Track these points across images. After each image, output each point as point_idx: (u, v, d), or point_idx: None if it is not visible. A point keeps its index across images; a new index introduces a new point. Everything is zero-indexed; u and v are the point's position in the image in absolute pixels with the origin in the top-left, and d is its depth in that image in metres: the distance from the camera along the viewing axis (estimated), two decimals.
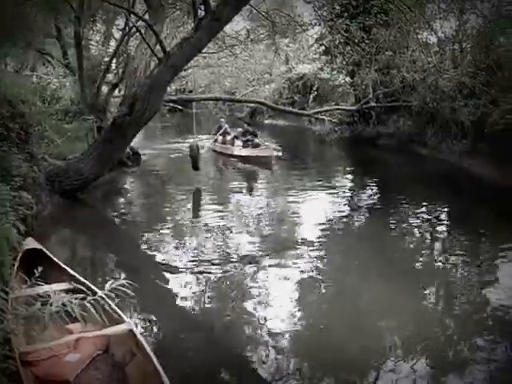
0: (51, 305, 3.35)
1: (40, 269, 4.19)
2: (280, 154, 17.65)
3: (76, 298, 3.55)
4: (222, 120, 20.65)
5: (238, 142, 18.48)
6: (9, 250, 5.35)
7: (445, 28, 16.40)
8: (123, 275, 7.48)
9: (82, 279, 5.21)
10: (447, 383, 4.99)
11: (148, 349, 4.27)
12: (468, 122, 14.74)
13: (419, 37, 15.97)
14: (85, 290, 4.26)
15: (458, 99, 15.21)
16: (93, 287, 4.94)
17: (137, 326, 4.71)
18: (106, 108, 16.21)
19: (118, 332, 4.44)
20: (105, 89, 16.77)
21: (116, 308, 4.53)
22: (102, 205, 12.01)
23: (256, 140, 18.10)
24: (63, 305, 3.39)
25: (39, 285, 4.31)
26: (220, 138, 19.34)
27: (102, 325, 4.39)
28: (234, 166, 17.15)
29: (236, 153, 17.99)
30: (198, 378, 4.91)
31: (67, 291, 4.54)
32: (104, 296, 4.11)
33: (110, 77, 17.51)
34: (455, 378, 5.07)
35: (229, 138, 19.14)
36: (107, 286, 3.77)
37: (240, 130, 19.24)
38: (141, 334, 4.58)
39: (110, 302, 4.38)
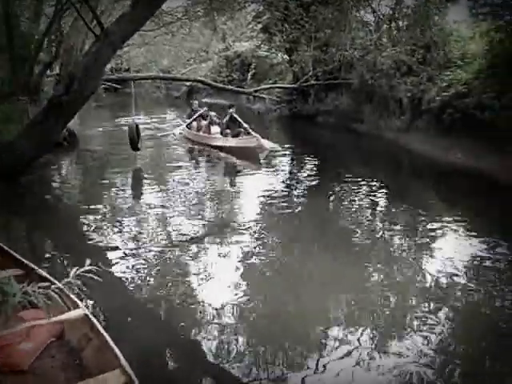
0: (14, 295, 3.18)
1: None
2: (274, 145, 14.86)
3: (39, 288, 3.38)
4: (196, 102, 17.94)
5: (215, 129, 15.88)
6: None
7: (382, 6, 16.64)
8: (66, 258, 7.47)
9: (31, 265, 5.01)
10: (387, 348, 5.12)
11: (104, 332, 4.15)
12: (406, 99, 15.07)
13: (357, 15, 16.15)
14: (38, 277, 4.10)
15: (396, 77, 15.50)
16: (44, 274, 4.76)
17: (90, 311, 4.54)
18: (40, 88, 15.62)
19: (72, 317, 4.29)
20: (38, 68, 16.14)
21: (69, 293, 4.38)
22: (38, 188, 11.53)
23: (239, 127, 15.31)
24: (26, 294, 3.23)
25: None
26: (194, 123, 16.68)
27: (55, 311, 4.24)
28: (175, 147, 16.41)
29: (214, 143, 15.28)
30: (153, 358, 4.89)
31: (18, 278, 4.35)
32: (58, 283, 3.97)
33: (42, 56, 16.85)
34: (394, 343, 5.22)
35: (204, 123, 16.46)
36: (72, 272, 3.61)
37: (213, 113, 16.56)
38: (95, 318, 4.44)
39: (63, 287, 4.23)
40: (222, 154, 14.53)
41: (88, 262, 3.64)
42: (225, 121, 15.57)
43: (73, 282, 3.67)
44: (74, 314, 4.31)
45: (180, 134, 16.85)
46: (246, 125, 15.28)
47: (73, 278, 3.60)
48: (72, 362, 4.18)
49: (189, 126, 16.75)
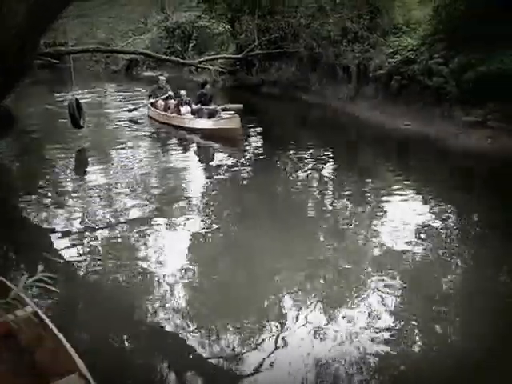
0: None
1: None
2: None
3: None
4: (162, 78, 15.75)
5: (186, 108, 14.22)
6: None
7: None
8: (10, 251, 7.01)
9: None
10: (342, 316, 5.17)
11: (57, 332, 3.84)
12: (353, 67, 14.92)
13: None
14: None
15: (342, 44, 15.32)
16: None
17: (41, 308, 4.20)
18: None
19: (21, 316, 3.93)
20: None
21: (16, 289, 4.01)
22: None
23: (213, 106, 13.68)
24: None
25: None
26: (161, 102, 14.94)
27: (2, 309, 3.87)
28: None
29: (187, 124, 13.56)
30: (108, 348, 4.72)
31: None
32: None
33: None
34: (348, 311, 5.28)
35: (171, 101, 14.81)
36: (21, 282, 3.23)
37: (183, 92, 14.73)
38: (47, 315, 4.10)
39: (10, 284, 3.87)
40: (195, 137, 13.00)
41: (40, 268, 3.26)
42: (198, 100, 13.78)
43: (21, 294, 3.30)
44: (23, 311, 3.97)
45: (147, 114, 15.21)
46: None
47: (21, 288, 3.21)
48: (23, 364, 3.86)
49: (154, 105, 14.98)
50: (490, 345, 4.73)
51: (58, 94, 19.27)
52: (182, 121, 13.78)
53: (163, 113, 14.57)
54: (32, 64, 11.07)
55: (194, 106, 13.85)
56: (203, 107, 13.51)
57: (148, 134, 13.85)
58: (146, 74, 26.32)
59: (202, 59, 19.10)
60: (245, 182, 9.90)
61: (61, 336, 3.75)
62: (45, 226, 7.76)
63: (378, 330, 4.89)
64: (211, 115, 13.38)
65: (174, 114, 14.30)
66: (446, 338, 4.91)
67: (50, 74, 25.40)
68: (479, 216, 7.87)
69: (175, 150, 12.61)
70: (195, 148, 12.81)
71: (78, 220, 7.91)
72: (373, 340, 4.74)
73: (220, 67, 20.54)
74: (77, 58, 22.25)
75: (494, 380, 4.34)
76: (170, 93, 15.15)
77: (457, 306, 5.43)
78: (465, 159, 10.60)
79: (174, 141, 13.29)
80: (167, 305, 5.41)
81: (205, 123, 13.12)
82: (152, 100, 15.09)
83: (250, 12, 17.22)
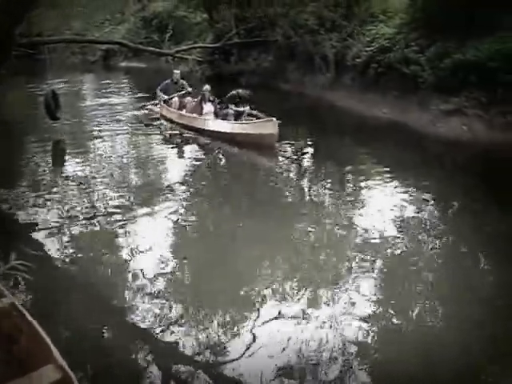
0: None
1: None
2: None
3: None
4: (177, 72, 13.89)
5: (209, 108, 12.24)
6: None
7: None
8: None
9: None
10: (322, 302, 5.19)
11: (34, 322, 3.80)
12: (331, 56, 14.96)
13: None
14: None
15: (320, 33, 15.34)
16: None
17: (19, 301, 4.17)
18: None
19: None
20: None
21: None
22: None
23: (242, 107, 11.65)
24: None
25: None
26: (175, 99, 13.14)
27: None
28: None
29: (207, 126, 11.57)
30: (85, 342, 4.61)
31: None
32: None
33: None
34: (329, 297, 5.29)
35: (188, 99, 13.14)
36: None
37: (207, 87, 12.56)
38: (24, 307, 4.07)
39: None
40: (219, 142, 11.21)
41: (13, 256, 3.23)
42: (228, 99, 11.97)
43: None
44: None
45: (147, 111, 13.76)
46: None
47: None
48: (1, 355, 3.83)
49: (167, 103, 13.22)
50: (465, 325, 4.79)
51: (34, 85, 19.02)
52: (202, 122, 11.84)
53: (177, 111, 12.84)
54: (9, 55, 10.94)
55: (218, 106, 12.15)
56: (229, 109, 11.75)
57: (135, 127, 13.30)
58: (123, 64, 26.17)
59: (179, 49, 18.99)
60: (221, 172, 9.96)
61: (38, 327, 3.73)
62: (22, 217, 7.65)
63: (355, 314, 4.92)
64: (237, 116, 11.62)
65: (194, 114, 12.35)
66: (424, 320, 4.96)
67: (26, 65, 25.07)
68: (453, 202, 7.95)
69: (156, 141, 12.37)
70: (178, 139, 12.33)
71: (57, 211, 7.81)
72: (351, 323, 4.78)
73: (198, 57, 20.48)
74: (53, 48, 22.01)
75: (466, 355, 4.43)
76: (189, 89, 13.55)
77: (433, 290, 5.44)
78: (441, 147, 10.71)
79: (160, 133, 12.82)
80: (146, 294, 5.37)
81: (231, 126, 11.18)
82: (165, 96, 13.38)
83: (228, 1, 17.15)
